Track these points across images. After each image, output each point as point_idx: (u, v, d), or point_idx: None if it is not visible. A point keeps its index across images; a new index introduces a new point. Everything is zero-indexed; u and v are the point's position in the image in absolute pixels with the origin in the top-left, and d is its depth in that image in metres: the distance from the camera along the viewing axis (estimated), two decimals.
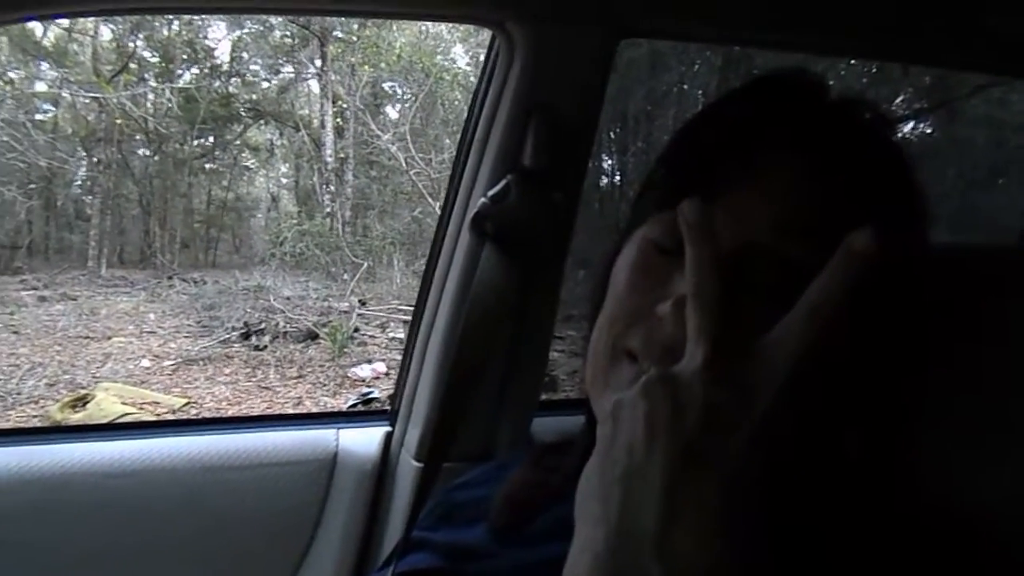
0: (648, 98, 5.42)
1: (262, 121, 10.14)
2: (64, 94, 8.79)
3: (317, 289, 7.49)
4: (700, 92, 5.11)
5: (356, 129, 8.66)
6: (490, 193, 0.98)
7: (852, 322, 0.42)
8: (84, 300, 7.72)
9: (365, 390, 5.43)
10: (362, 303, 7.14)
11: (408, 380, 1.18)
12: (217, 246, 10.97)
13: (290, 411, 5.12)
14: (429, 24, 7.65)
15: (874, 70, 3.44)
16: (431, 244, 1.15)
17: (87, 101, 8.66)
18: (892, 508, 0.50)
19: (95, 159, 9.08)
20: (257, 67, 9.79)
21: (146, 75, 9.14)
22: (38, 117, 8.52)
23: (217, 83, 9.60)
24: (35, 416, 4.93)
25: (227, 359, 6.20)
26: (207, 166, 10.54)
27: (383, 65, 8.17)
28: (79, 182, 9.87)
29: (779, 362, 0.40)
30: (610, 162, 6.12)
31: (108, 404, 4.87)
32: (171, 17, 8.60)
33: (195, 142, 9.83)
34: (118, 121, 8.64)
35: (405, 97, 8.89)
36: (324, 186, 8.76)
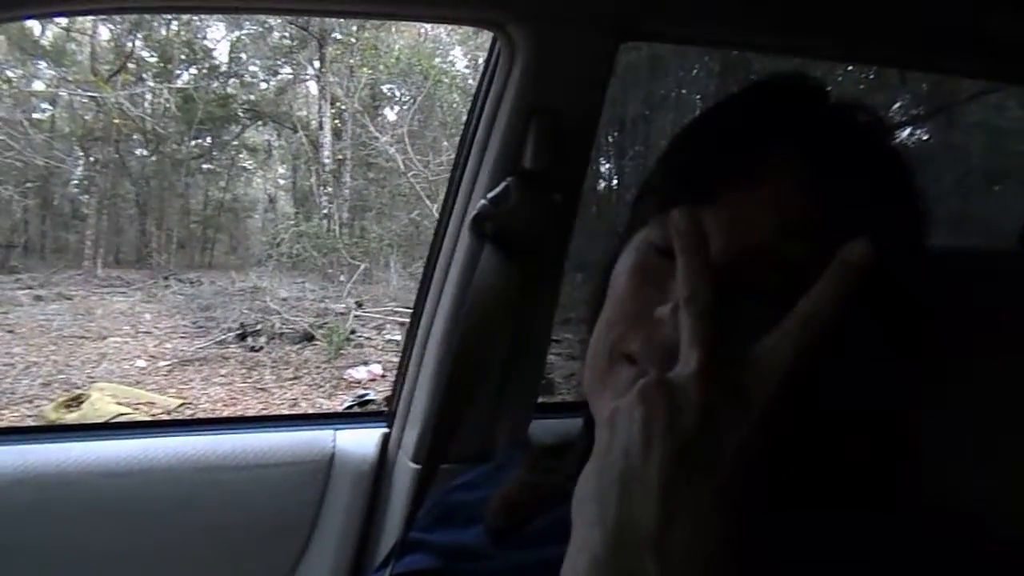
0: (646, 102, 5.43)
1: (260, 122, 10.13)
2: (62, 93, 8.78)
3: (313, 290, 7.48)
4: (698, 97, 5.12)
5: (354, 131, 8.66)
6: (490, 195, 0.98)
7: (848, 328, 0.42)
8: (80, 300, 7.71)
9: (361, 392, 5.42)
10: (359, 305, 7.13)
11: (406, 382, 1.17)
12: (214, 247, 10.95)
13: (286, 412, 5.11)
14: (428, 26, 7.67)
15: (871, 76, 3.45)
16: (430, 245, 1.15)
17: (85, 100, 8.64)
18: (892, 510, 0.50)
19: (92, 158, 9.06)
20: (255, 68, 9.79)
21: (144, 75, 9.13)
22: (35, 116, 8.52)
23: (215, 84, 9.59)
24: (29, 416, 4.91)
25: (223, 360, 6.19)
26: (204, 166, 10.52)
27: (382, 67, 8.18)
28: (76, 181, 9.84)
29: (775, 367, 0.41)
30: (607, 166, 6.13)
31: (103, 404, 4.86)
32: (170, 17, 8.59)
33: (193, 142, 9.80)
34: (116, 121, 8.62)
35: (403, 99, 8.90)
36: (321, 187, 8.75)
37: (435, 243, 1.13)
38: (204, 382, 5.76)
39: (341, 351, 6.17)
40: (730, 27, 1.01)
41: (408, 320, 1.21)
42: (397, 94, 9.15)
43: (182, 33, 9.24)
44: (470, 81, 7.78)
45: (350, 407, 5.10)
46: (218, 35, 9.49)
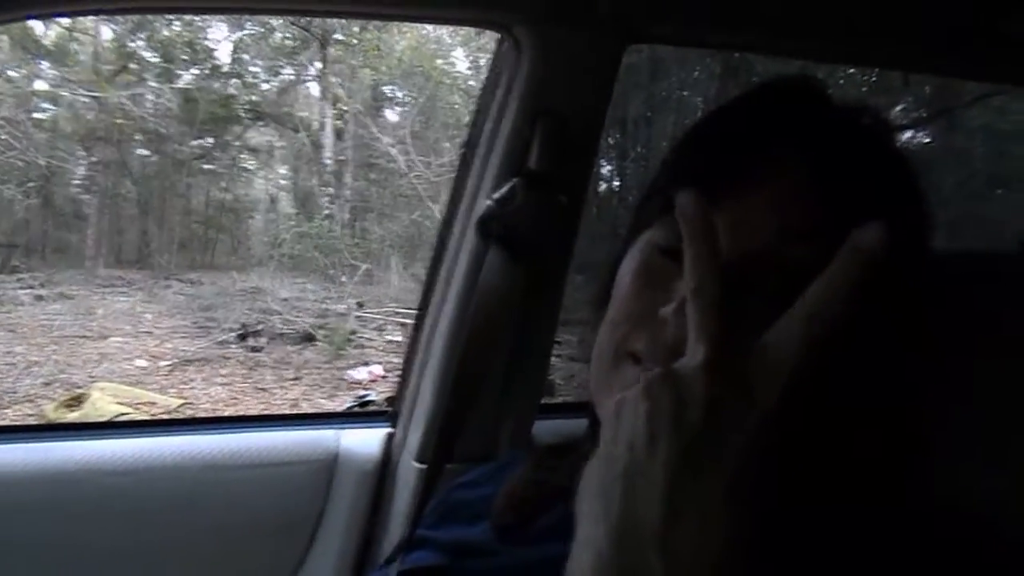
0: (648, 104, 5.43)
1: (262, 122, 10.12)
2: (64, 93, 8.78)
3: (315, 291, 7.47)
4: (700, 99, 5.12)
5: (356, 132, 8.65)
6: (496, 195, 0.98)
7: (857, 320, 0.42)
8: (81, 299, 7.70)
9: (362, 393, 5.41)
10: (360, 305, 7.13)
11: (410, 382, 1.18)
12: (215, 247, 10.92)
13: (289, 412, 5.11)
14: (430, 28, 7.66)
15: (874, 79, 3.45)
16: (435, 246, 1.15)
17: (87, 100, 8.64)
18: (902, 508, 0.50)
19: (94, 158, 9.07)
20: (257, 68, 9.77)
21: (146, 75, 9.13)
22: (37, 115, 8.51)
23: (217, 84, 9.58)
24: (31, 415, 4.91)
25: (224, 360, 6.19)
26: (206, 167, 10.49)
27: (383, 68, 8.18)
28: (77, 181, 9.83)
29: (782, 360, 0.40)
30: (609, 168, 6.12)
31: (104, 404, 4.85)
32: (172, 17, 8.60)
33: (194, 143, 9.80)
34: (117, 121, 8.63)
35: (405, 100, 8.89)
36: (323, 188, 8.75)
37: (440, 244, 1.14)
38: (205, 382, 5.76)
39: (342, 352, 6.17)
40: (733, 29, 1.02)
41: (409, 321, 1.22)
42: (399, 95, 9.15)
43: (184, 33, 9.23)
44: (472, 82, 7.77)
45: (351, 408, 5.10)
46: (220, 35, 9.48)
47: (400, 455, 1.18)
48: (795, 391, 0.40)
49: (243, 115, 9.88)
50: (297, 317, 6.80)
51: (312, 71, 9.17)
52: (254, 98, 9.81)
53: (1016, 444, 0.57)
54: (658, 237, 0.56)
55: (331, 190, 8.66)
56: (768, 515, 0.40)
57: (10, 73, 8.00)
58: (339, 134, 8.89)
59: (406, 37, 7.97)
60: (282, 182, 11.16)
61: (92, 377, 5.65)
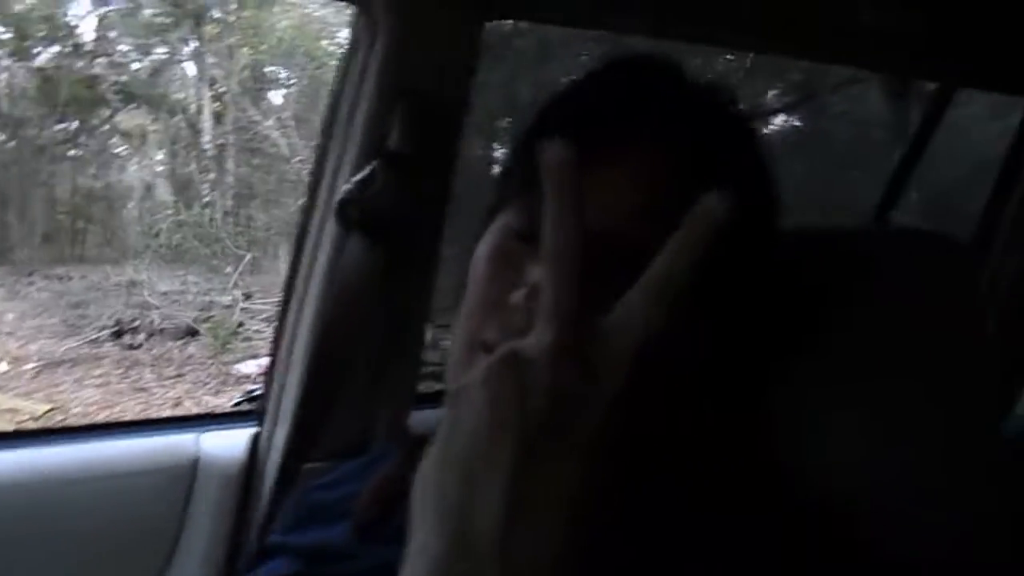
0: (537, 87, 5.47)
1: (133, 105, 9.52)
2: None
3: (197, 283, 7.11)
4: None
5: (236, 115, 8.29)
6: (355, 179, 0.94)
7: (703, 294, 0.41)
8: None
9: (251, 387, 5.21)
10: (247, 296, 6.85)
11: (275, 378, 1.12)
12: (85, 239, 10.22)
13: (166, 413, 4.86)
14: (313, 6, 7.44)
15: (748, 65, 3.61)
16: (296, 234, 1.10)
17: None
18: (763, 505, 0.50)
19: None
20: (126, 47, 9.18)
21: None
22: None
23: (81, 64, 8.93)
24: None
25: (97, 360, 5.80)
26: (71, 152, 9.80)
27: (264, 47, 7.86)
28: None
29: (627, 338, 0.37)
30: (501, 151, 6.15)
31: None
32: None
33: (57, 127, 9.12)
34: None
35: (288, 82, 8.60)
36: (202, 174, 8.35)
37: (301, 231, 1.08)
38: (76, 384, 5.38)
39: (228, 345, 5.91)
40: (596, 7, 1.01)
41: None
42: (281, 76, 8.83)
43: (40, 7, 8.55)
44: None
45: (239, 403, 4.91)
46: (82, 11, 8.83)
47: (268, 455, 1.12)
48: (642, 371, 0.37)
49: (111, 97, 9.27)
50: (178, 311, 6.47)
51: (187, 50, 8.70)
52: (124, 78, 9.23)
53: (863, 415, 0.59)
54: (512, 219, 0.53)
55: (211, 176, 8.27)
56: (617, 516, 0.39)
57: None
58: (218, 117, 8.48)
59: (288, 16, 7.69)
60: (158, 168, 10.54)
61: None
